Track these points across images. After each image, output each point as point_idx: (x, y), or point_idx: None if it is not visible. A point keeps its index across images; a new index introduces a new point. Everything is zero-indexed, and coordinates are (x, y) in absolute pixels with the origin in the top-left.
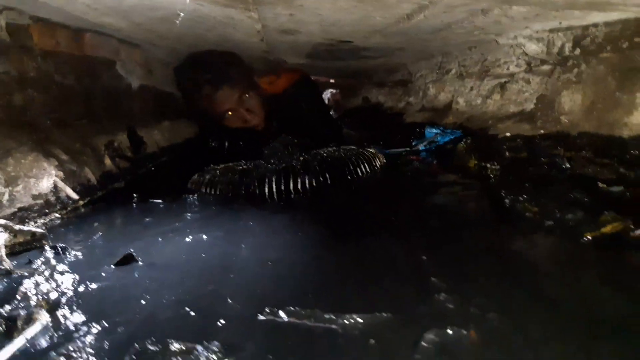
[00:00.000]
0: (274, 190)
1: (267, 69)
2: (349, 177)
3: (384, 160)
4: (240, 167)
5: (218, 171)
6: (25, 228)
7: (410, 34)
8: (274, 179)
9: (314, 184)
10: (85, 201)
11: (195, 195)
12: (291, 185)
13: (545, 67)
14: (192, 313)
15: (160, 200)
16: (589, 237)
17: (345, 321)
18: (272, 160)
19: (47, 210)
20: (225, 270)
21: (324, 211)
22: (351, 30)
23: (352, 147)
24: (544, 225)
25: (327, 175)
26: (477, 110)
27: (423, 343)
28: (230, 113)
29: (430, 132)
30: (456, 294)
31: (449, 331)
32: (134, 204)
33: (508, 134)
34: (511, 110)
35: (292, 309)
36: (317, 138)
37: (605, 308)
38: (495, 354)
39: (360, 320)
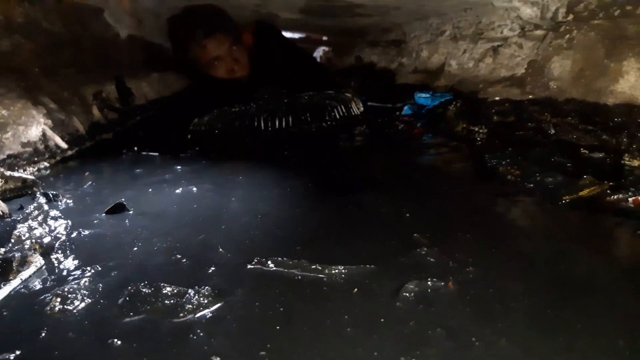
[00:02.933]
0: (265, 124)
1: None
2: (327, 117)
3: (361, 108)
4: (234, 109)
5: (215, 112)
6: (16, 174)
7: None
8: (263, 116)
9: (297, 122)
10: (74, 151)
11: (190, 152)
12: (277, 121)
13: (539, 32)
14: (184, 260)
15: (157, 153)
16: (567, 199)
17: (330, 271)
18: (260, 103)
19: (36, 159)
20: (216, 221)
21: (312, 169)
22: None
23: (332, 92)
24: (524, 188)
25: (308, 115)
26: (468, 73)
27: (404, 292)
28: (218, 62)
29: (419, 97)
30: (436, 248)
31: (429, 282)
32: (124, 155)
33: (497, 98)
34: (502, 74)
35: (280, 259)
36: (298, 84)
37: (577, 267)
38: (470, 304)
39: (344, 270)
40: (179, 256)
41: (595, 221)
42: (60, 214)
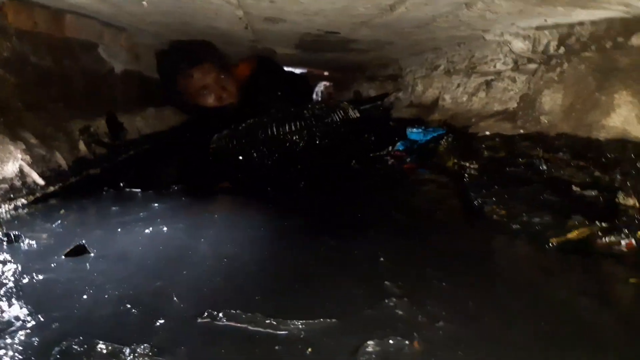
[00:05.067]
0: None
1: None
2: (330, 120)
3: (357, 114)
4: (248, 122)
5: (232, 128)
6: None
7: (396, 27)
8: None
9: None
10: (57, 187)
11: (173, 188)
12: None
13: (532, 66)
14: (133, 310)
15: (139, 190)
16: (554, 242)
17: (286, 326)
18: (271, 113)
19: (12, 195)
20: (178, 265)
21: (290, 207)
22: (336, 21)
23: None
24: (510, 229)
25: (313, 120)
26: (462, 107)
27: (362, 353)
28: (206, 90)
29: (411, 132)
30: (407, 299)
31: (391, 341)
32: (104, 192)
33: (487, 133)
34: (495, 108)
35: (234, 312)
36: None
37: (562, 324)
38: None
39: (301, 326)
40: (128, 306)
41: (585, 268)
42: (17, 257)
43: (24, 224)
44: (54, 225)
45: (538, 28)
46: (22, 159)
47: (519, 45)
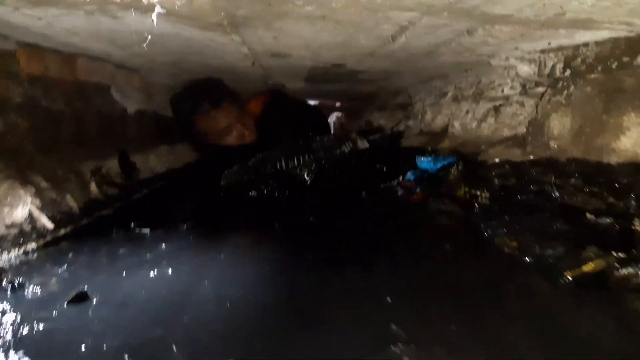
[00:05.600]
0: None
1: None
2: (338, 152)
3: (366, 144)
4: (258, 157)
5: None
6: None
7: (401, 57)
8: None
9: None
10: (68, 230)
11: (182, 226)
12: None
13: (539, 89)
14: None
15: (147, 230)
16: (569, 276)
17: None
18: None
19: (21, 240)
20: (180, 311)
21: (299, 241)
22: (341, 54)
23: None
24: (521, 262)
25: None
26: (471, 134)
27: None
28: (229, 130)
29: (421, 161)
30: (414, 345)
31: None
32: (114, 234)
33: (497, 160)
34: (504, 134)
35: None
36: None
37: None
38: None
39: None
40: (125, 357)
41: (602, 304)
42: (19, 306)
43: (32, 269)
44: (60, 270)
45: (543, 51)
46: (31, 203)
47: (525, 70)
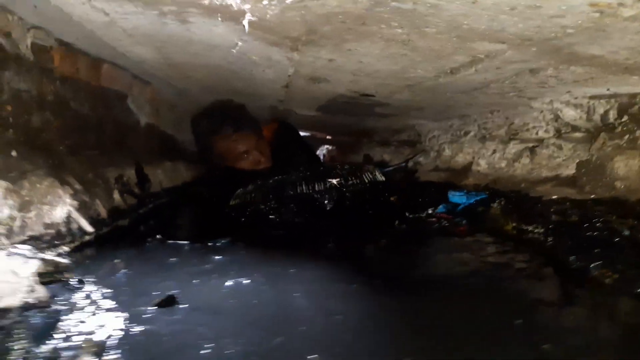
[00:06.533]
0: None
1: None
2: (358, 181)
3: (383, 177)
4: (273, 180)
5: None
6: (48, 257)
7: (440, 91)
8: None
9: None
10: (92, 236)
11: (223, 241)
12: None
13: (577, 134)
14: None
15: (187, 242)
16: None
17: None
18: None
19: (57, 242)
20: (288, 321)
21: (364, 262)
22: (382, 83)
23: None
24: (632, 295)
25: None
26: (502, 173)
27: None
28: (246, 155)
29: (453, 195)
30: None
31: None
32: (148, 243)
33: (554, 197)
34: (544, 174)
35: None
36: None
37: None
38: None
39: None
40: None
41: None
42: (105, 306)
43: (82, 272)
44: (118, 275)
45: (593, 97)
46: (70, 204)
47: (571, 114)
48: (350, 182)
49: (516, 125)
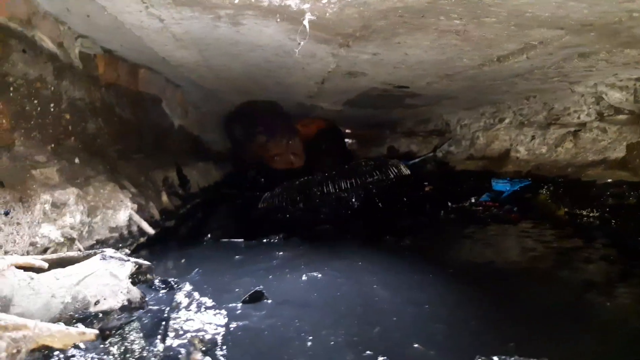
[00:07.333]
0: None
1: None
2: (384, 176)
3: (408, 171)
4: (300, 180)
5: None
6: (132, 259)
7: (479, 79)
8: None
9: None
10: (144, 238)
11: (277, 238)
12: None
13: (622, 117)
14: (380, 357)
15: (242, 240)
16: None
17: None
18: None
19: (120, 245)
20: (379, 310)
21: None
22: (420, 74)
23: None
24: None
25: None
26: (544, 158)
27: None
28: (278, 157)
29: (497, 183)
30: None
31: None
32: (204, 242)
33: (609, 180)
34: (590, 158)
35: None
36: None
37: None
38: None
39: None
40: (369, 352)
41: None
42: (200, 305)
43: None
44: (192, 274)
45: (638, 79)
46: (131, 208)
47: (616, 96)
48: (376, 177)
49: (556, 110)
